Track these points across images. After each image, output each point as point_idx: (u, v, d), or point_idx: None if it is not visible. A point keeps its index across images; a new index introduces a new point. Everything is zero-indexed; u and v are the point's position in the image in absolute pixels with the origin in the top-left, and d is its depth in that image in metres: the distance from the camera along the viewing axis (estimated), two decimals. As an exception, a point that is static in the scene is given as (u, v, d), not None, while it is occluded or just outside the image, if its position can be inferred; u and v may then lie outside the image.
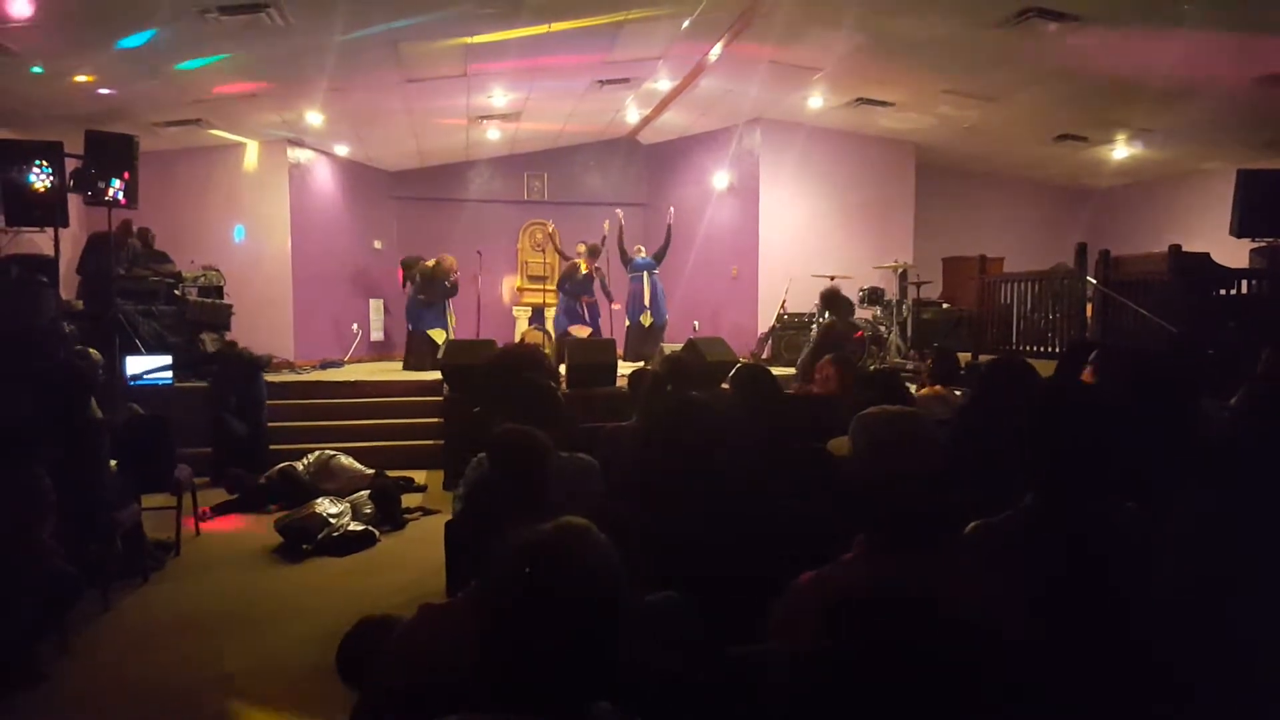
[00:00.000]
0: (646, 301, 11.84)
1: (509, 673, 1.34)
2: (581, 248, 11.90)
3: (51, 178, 7.95)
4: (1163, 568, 2.21)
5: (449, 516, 3.77)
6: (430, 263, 11.74)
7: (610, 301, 12.14)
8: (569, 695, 1.35)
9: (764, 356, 11.31)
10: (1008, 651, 1.72)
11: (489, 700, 1.35)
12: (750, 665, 1.83)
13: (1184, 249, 7.86)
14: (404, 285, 12.17)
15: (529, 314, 13.59)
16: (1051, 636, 1.86)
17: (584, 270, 11.75)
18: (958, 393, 5.18)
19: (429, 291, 11.67)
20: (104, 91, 8.55)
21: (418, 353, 11.20)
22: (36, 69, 7.66)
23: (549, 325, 12.63)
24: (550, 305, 12.44)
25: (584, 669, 1.35)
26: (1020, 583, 1.94)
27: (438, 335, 11.34)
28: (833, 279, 11.20)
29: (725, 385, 5.62)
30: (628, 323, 11.96)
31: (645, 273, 11.89)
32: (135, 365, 8.41)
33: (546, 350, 11.57)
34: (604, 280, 11.95)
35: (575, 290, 11.79)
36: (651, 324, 11.78)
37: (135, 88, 8.59)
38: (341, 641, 2.94)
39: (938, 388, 5.16)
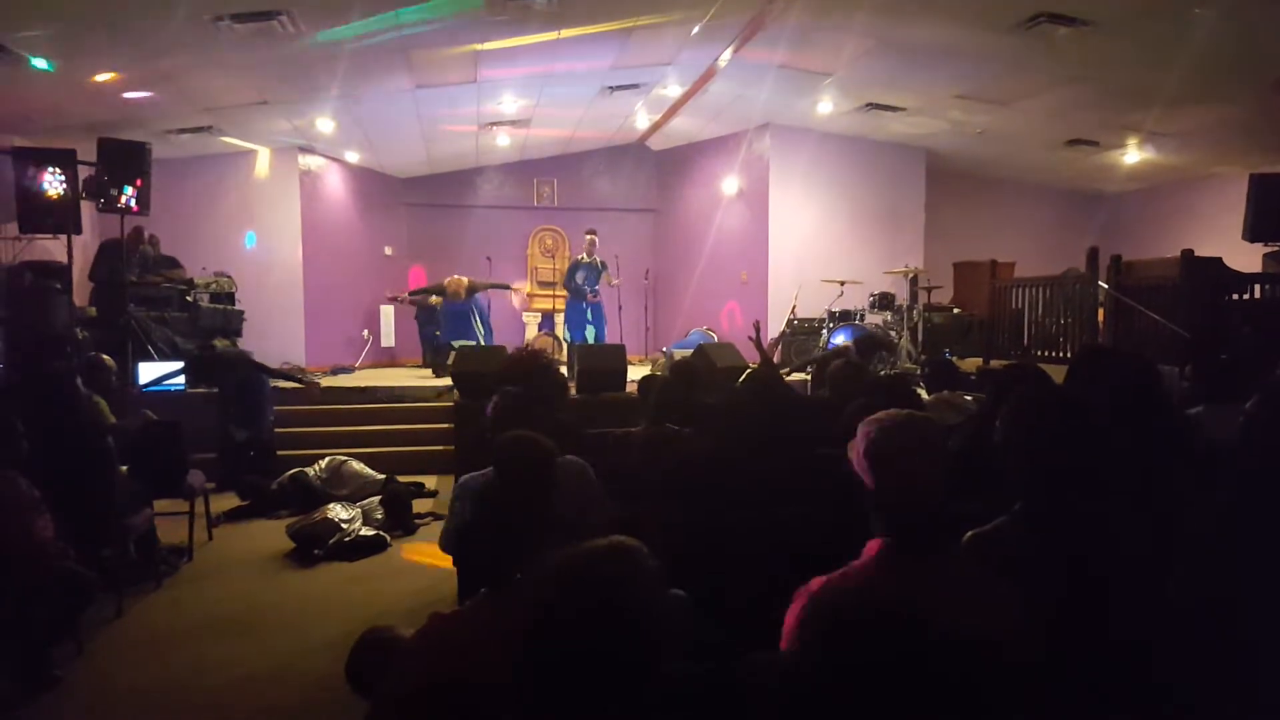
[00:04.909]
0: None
1: (552, 687, 1.34)
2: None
3: (64, 185, 8.02)
4: (1161, 574, 2.20)
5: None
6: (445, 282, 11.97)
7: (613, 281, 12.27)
8: (611, 712, 1.34)
9: (774, 361, 11.30)
10: (1008, 660, 1.72)
11: (529, 714, 1.34)
12: (762, 670, 1.83)
13: (1196, 254, 7.83)
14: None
15: (539, 319, 13.67)
16: (1051, 641, 1.85)
17: (586, 260, 11.87)
18: (968, 397, 5.16)
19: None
20: (129, 96, 8.57)
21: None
22: (41, 65, 7.50)
23: (559, 331, 12.67)
24: (560, 311, 12.47)
25: (628, 687, 1.34)
26: (1015, 591, 1.94)
27: (458, 345, 11.48)
28: (843, 284, 11.18)
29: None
30: None
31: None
32: (148, 371, 8.45)
33: (558, 356, 11.62)
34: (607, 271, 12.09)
35: (580, 288, 11.86)
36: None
37: (151, 91, 8.63)
38: (350, 652, 2.95)
39: (945, 393, 5.14)
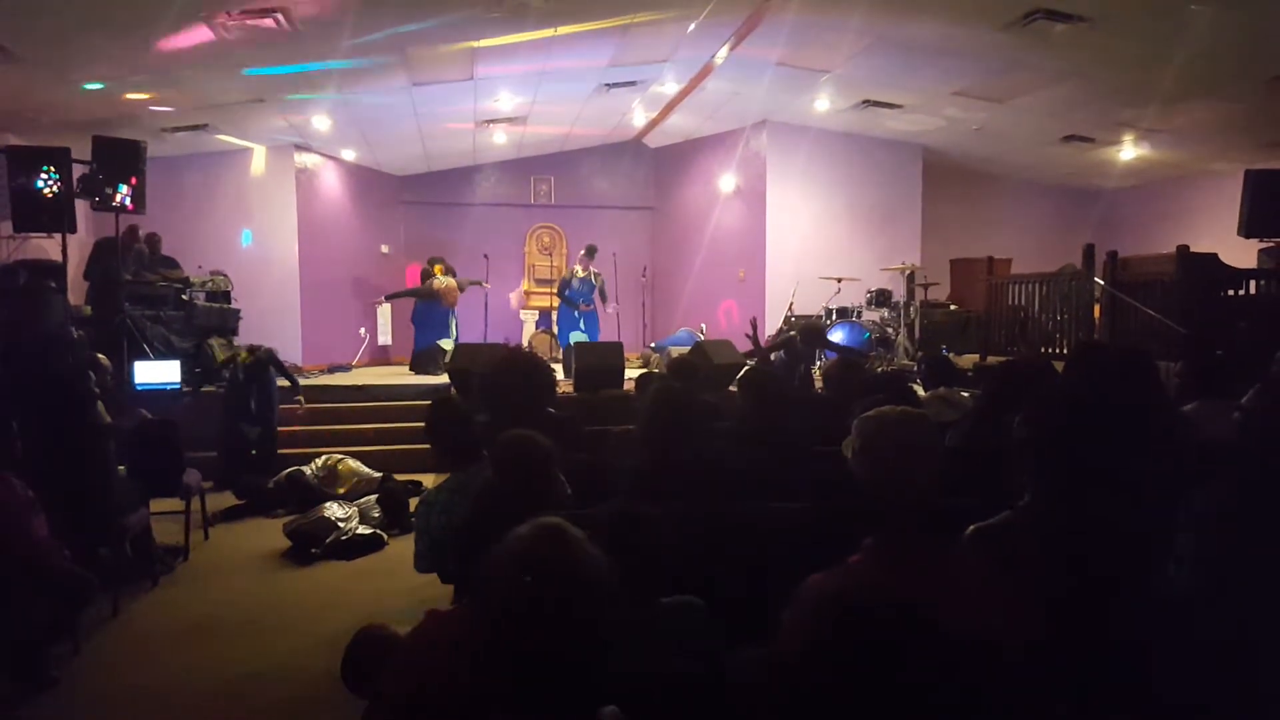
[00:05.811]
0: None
1: (512, 679, 1.35)
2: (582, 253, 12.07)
3: (59, 183, 7.97)
4: (1163, 567, 2.20)
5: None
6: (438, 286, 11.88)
7: (606, 305, 12.22)
8: (573, 698, 1.35)
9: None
10: (1006, 656, 1.71)
11: (497, 708, 1.34)
12: (760, 667, 1.82)
13: (1192, 250, 7.83)
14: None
15: (536, 317, 13.66)
16: (1050, 637, 1.85)
17: (581, 274, 11.81)
18: (964, 394, 5.15)
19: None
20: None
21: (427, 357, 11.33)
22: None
23: (555, 328, 12.67)
24: (557, 309, 12.49)
25: (583, 668, 1.36)
26: (1019, 585, 1.93)
27: (445, 345, 11.42)
28: (840, 281, 11.18)
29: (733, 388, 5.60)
30: None
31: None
32: (146, 373, 8.40)
33: (556, 354, 11.61)
34: (603, 286, 12.01)
35: (573, 297, 11.84)
36: None
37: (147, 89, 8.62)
38: (345, 651, 2.95)
39: (942, 389, 5.13)
